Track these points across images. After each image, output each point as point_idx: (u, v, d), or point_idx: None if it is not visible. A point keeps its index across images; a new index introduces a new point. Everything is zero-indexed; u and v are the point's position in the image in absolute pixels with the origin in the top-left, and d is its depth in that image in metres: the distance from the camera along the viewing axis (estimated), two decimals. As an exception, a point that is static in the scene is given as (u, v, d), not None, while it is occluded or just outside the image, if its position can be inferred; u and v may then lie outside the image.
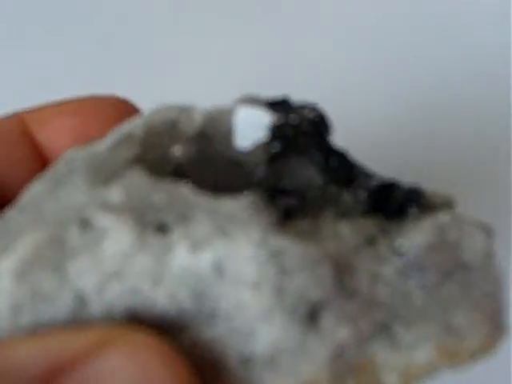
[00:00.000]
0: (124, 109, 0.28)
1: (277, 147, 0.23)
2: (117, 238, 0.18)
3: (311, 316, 0.18)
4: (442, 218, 0.21)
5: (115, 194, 0.19)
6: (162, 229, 0.19)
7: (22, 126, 0.27)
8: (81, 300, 0.18)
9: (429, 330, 0.19)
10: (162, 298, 0.18)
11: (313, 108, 0.23)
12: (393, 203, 0.22)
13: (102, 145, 0.22)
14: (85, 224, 0.18)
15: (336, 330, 0.18)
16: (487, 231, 0.20)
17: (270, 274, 0.18)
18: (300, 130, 0.23)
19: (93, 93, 0.28)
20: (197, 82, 0.40)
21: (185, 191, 0.19)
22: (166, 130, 0.23)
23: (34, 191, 0.22)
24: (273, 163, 0.23)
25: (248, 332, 0.18)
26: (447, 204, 0.23)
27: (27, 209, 0.21)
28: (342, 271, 0.19)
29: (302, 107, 0.23)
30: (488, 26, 0.43)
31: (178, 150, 0.23)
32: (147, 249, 0.18)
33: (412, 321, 0.19)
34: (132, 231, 0.18)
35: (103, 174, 0.20)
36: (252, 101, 0.23)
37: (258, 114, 0.22)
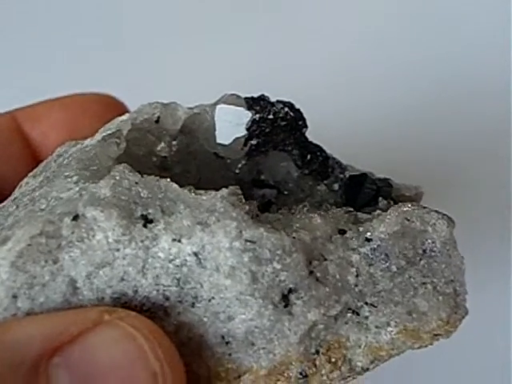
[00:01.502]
0: (111, 105, 0.30)
1: (254, 141, 0.24)
2: (105, 230, 0.20)
3: (284, 300, 0.20)
4: (407, 208, 0.22)
5: (103, 189, 0.20)
6: (147, 221, 0.20)
7: (14, 123, 0.28)
8: (73, 287, 0.20)
9: (393, 312, 0.21)
10: (148, 284, 0.20)
11: (288, 104, 0.24)
12: (364, 195, 0.24)
13: (92, 141, 0.24)
14: (76, 218, 0.20)
15: (306, 313, 0.20)
16: (448, 221, 0.22)
17: (245, 262, 0.20)
18: (276, 125, 0.24)
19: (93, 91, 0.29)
20: (195, 83, 0.41)
21: (168, 186, 0.21)
22: (150, 126, 0.24)
23: (28, 186, 0.24)
24: (252, 157, 0.25)
25: (226, 314, 0.20)
26: (416, 195, 0.25)
27: (22, 202, 0.22)
28: (312, 259, 0.21)
29: (278, 104, 0.24)
30: (488, 26, 0.43)
31: (162, 149, 0.24)
32: (134, 240, 0.20)
33: (378, 304, 0.21)
34: (119, 224, 0.20)
35: (93, 169, 0.22)
36: (232, 99, 0.24)
37: (236, 111, 0.24)
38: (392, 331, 0.21)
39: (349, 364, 0.21)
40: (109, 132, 0.23)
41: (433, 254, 0.22)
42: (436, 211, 0.22)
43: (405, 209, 0.22)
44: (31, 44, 0.46)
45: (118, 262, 0.20)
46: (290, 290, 0.20)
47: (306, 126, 0.25)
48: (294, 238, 0.21)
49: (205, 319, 0.20)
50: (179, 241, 0.20)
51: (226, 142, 0.24)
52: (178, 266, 0.20)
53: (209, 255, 0.20)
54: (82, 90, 0.30)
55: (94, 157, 0.22)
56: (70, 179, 0.21)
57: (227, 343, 0.20)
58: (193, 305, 0.20)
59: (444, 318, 0.21)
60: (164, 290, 0.20)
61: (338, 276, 0.21)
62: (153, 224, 0.20)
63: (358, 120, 0.40)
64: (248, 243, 0.20)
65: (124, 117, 0.24)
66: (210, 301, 0.20)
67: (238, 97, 0.24)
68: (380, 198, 0.24)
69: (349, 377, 0.21)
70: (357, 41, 0.45)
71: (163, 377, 0.18)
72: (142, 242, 0.20)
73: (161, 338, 0.19)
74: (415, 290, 0.21)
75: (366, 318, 0.21)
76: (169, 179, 0.21)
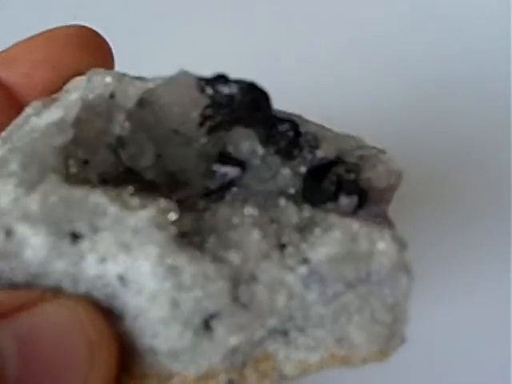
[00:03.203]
0: (92, 36, 0.27)
1: (212, 122, 0.22)
2: (34, 246, 0.20)
3: (205, 325, 0.20)
4: (356, 225, 0.20)
5: (33, 204, 0.20)
6: (74, 237, 0.20)
7: None
8: (14, 288, 0.21)
9: (322, 339, 0.20)
10: (82, 294, 0.21)
11: (247, 86, 0.22)
12: (320, 192, 0.22)
13: (43, 120, 0.23)
14: (8, 232, 0.20)
15: (227, 338, 0.20)
16: (400, 244, 0.20)
17: (166, 288, 0.20)
18: (234, 106, 0.22)
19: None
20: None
21: (98, 199, 0.20)
22: (103, 103, 0.23)
23: None
24: (213, 134, 0.23)
25: (151, 332, 0.20)
26: (388, 187, 0.22)
27: None
28: (240, 282, 0.20)
29: (234, 85, 0.22)
30: (488, 25, 0.42)
31: (116, 127, 0.23)
32: (63, 256, 0.20)
33: (307, 329, 0.20)
34: (47, 241, 0.20)
35: (31, 171, 0.21)
36: (183, 77, 0.22)
37: (183, 93, 0.22)
38: (320, 354, 0.21)
39: (278, 373, 0.21)
40: (55, 120, 0.22)
41: (377, 278, 0.20)
42: (389, 229, 0.20)
43: (353, 226, 0.20)
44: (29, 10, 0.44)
45: (51, 275, 0.21)
46: (212, 316, 0.20)
47: (269, 103, 0.22)
48: (222, 258, 0.20)
49: (133, 332, 0.21)
50: (103, 263, 0.20)
51: (182, 120, 0.23)
52: (105, 284, 0.20)
53: (131, 279, 0.20)
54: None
55: (36, 149, 0.22)
56: (11, 180, 0.21)
57: (155, 354, 0.21)
58: (121, 317, 0.21)
59: (375, 349, 0.20)
60: (96, 302, 0.21)
61: (266, 299, 0.20)
62: (80, 240, 0.20)
63: (354, 118, 0.37)
64: (169, 270, 0.19)
65: (75, 95, 0.23)
66: (135, 318, 0.20)
67: (190, 75, 0.22)
68: (341, 196, 0.22)
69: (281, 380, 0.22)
70: (357, 39, 0.45)
71: (99, 346, 0.20)
72: (70, 257, 0.20)
73: (97, 313, 0.20)
74: (349, 317, 0.20)
75: (295, 338, 0.21)
76: (100, 191, 0.20)
